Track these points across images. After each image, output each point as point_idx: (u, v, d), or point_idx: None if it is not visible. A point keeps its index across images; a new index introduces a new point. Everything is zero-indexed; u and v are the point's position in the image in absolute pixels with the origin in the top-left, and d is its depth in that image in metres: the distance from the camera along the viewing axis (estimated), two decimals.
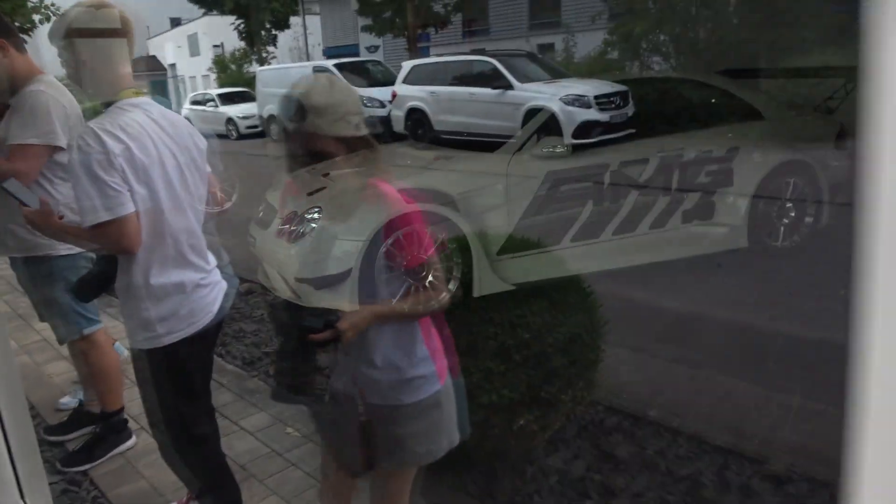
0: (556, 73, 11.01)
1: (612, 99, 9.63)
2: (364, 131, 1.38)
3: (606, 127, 9.47)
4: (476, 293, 2.95)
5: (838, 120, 4.63)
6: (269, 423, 2.73)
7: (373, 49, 20.62)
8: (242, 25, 19.71)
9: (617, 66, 11.68)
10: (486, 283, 2.98)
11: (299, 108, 1.29)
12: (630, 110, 9.89)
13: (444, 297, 1.48)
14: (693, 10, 10.13)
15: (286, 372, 1.42)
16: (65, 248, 2.22)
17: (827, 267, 4.21)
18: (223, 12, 19.90)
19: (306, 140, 1.32)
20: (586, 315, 2.30)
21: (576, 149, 4.08)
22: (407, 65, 11.70)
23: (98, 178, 1.55)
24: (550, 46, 15.77)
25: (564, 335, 2.17)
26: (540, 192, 3.82)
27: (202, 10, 22.92)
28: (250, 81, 17.89)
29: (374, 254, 1.41)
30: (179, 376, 1.80)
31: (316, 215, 3.23)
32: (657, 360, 3.16)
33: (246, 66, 21.92)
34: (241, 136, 14.70)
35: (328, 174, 1.38)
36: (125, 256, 1.67)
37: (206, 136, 1.91)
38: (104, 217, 1.56)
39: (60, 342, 2.43)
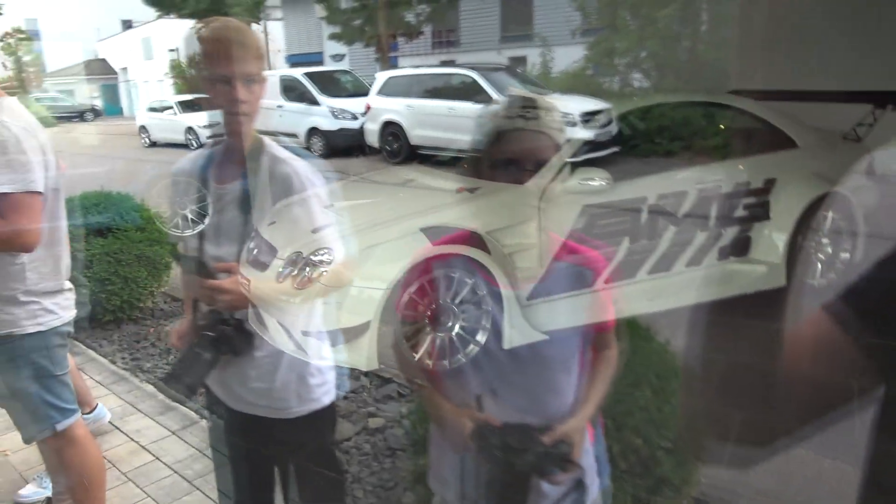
0: (536, 88, 10.72)
1: (596, 117, 9.42)
2: None
3: (592, 145, 9.24)
4: (506, 345, 2.54)
5: (867, 147, 4.38)
6: None
7: (338, 58, 20.04)
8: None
9: (597, 82, 11.47)
10: (516, 332, 2.60)
11: (531, 103, 1.15)
12: (613, 129, 9.69)
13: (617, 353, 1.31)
14: (675, 27, 9.98)
15: None
16: (32, 325, 1.70)
17: None
18: (181, 16, 19.02)
19: (535, 140, 1.16)
20: None
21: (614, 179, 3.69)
22: (382, 76, 11.24)
23: None
24: (522, 60, 15.54)
25: (673, 432, 1.77)
26: (576, 228, 3.42)
27: (157, 13, 21.96)
28: None
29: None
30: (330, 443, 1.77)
31: (325, 256, 2.60)
32: None
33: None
34: (202, 146, 14.01)
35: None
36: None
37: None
38: None
39: (27, 442, 1.89)
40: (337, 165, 10.34)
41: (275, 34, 21.56)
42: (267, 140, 1.55)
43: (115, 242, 4.32)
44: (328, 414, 1.69)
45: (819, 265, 4.17)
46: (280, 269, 2.29)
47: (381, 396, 3.20)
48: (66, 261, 1.83)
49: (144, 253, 4.40)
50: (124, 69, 29.06)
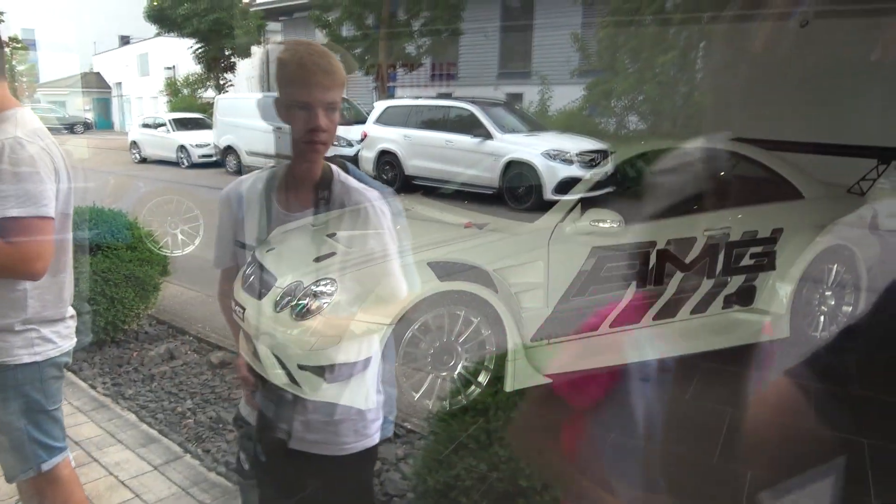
0: (533, 125, 10.79)
1: (593, 156, 9.46)
2: None
3: (588, 184, 9.28)
4: (509, 387, 2.45)
5: (870, 202, 4.40)
6: None
7: None
8: (201, 50, 18.92)
9: (593, 122, 11.58)
10: (520, 374, 2.53)
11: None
12: (610, 168, 9.76)
13: None
14: (673, 73, 10.12)
15: None
16: (28, 355, 1.58)
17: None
18: (181, 35, 19.09)
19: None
20: None
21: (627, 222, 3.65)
22: (380, 105, 11.27)
23: None
24: (519, 96, 15.69)
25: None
26: (584, 270, 3.36)
27: (156, 31, 22.03)
28: (204, 107, 17.06)
29: None
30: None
31: (328, 287, 2.49)
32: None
33: (200, 91, 21.11)
34: (193, 165, 13.97)
35: None
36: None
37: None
38: None
39: (9, 481, 1.74)
40: None
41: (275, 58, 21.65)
42: (335, 168, 1.48)
43: (104, 261, 4.19)
44: (374, 454, 1.59)
45: (822, 318, 4.13)
46: (277, 299, 2.17)
47: None
48: (70, 288, 1.72)
49: (134, 273, 4.26)
50: (119, 84, 29.04)
